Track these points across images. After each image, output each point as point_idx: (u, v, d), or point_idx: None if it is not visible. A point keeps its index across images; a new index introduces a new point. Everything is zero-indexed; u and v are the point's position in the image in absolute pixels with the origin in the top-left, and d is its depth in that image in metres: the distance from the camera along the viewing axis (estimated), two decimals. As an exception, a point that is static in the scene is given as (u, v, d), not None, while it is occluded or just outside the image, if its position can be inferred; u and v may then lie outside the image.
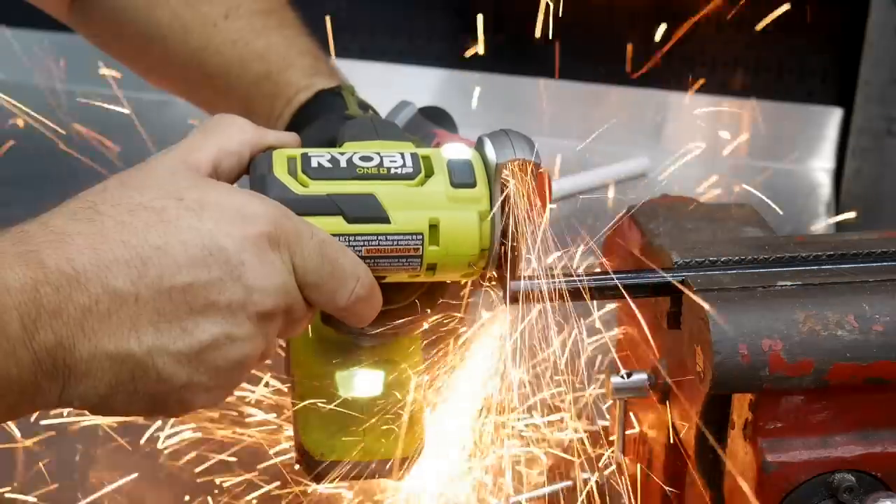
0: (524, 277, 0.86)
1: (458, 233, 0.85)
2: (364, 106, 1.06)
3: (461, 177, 0.85)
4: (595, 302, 0.92)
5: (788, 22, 1.93)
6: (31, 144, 1.97)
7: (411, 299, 0.93)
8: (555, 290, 0.86)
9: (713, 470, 0.89)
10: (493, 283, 0.88)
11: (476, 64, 2.04)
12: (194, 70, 1.13)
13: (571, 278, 0.87)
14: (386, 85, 1.97)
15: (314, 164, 0.85)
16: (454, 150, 0.87)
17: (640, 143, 1.97)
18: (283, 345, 1.06)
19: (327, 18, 2.08)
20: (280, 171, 0.84)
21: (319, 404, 1.03)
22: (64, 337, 0.76)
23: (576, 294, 0.87)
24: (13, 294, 0.74)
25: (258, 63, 1.10)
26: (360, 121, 0.96)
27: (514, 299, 0.86)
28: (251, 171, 0.87)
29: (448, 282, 0.94)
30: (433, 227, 0.85)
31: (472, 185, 0.85)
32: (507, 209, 0.85)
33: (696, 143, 1.97)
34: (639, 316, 1.03)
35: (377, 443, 1.03)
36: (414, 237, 0.84)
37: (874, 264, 0.89)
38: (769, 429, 0.83)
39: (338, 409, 1.02)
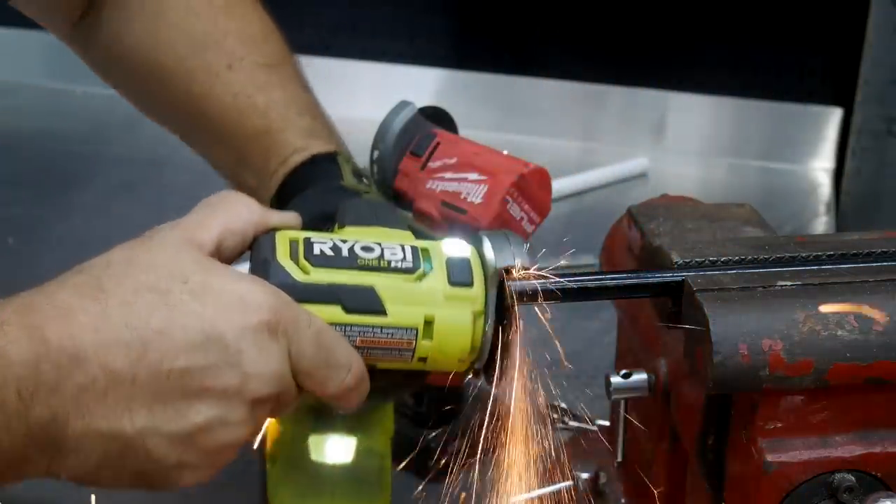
0: (523, 278, 0.86)
1: (452, 330, 0.86)
2: (358, 174, 1.06)
3: (459, 276, 0.86)
4: (594, 302, 0.92)
5: (788, 22, 1.93)
6: (32, 144, 1.97)
7: (395, 380, 0.93)
8: (554, 290, 0.86)
9: (713, 470, 0.89)
10: (481, 375, 0.89)
11: (476, 64, 2.04)
12: (193, 115, 1.13)
13: (571, 278, 0.87)
14: (386, 85, 1.98)
15: (317, 251, 0.86)
16: (454, 247, 0.88)
17: (640, 143, 1.97)
18: None
19: (327, 18, 2.09)
20: (282, 255, 0.85)
21: (290, 466, 1.04)
22: (59, 413, 0.76)
23: (575, 294, 0.87)
24: (14, 368, 0.75)
25: (257, 118, 1.10)
26: (360, 204, 0.97)
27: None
28: (253, 252, 0.88)
29: None
30: (428, 324, 0.86)
31: (469, 284, 0.86)
32: (501, 311, 0.86)
33: (695, 143, 1.97)
34: (639, 316, 1.03)
35: None
36: (408, 331, 0.85)
37: (874, 264, 0.89)
38: (769, 429, 0.83)
39: (308, 472, 1.03)
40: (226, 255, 0.87)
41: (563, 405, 1.20)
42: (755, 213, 1.01)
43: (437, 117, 1.13)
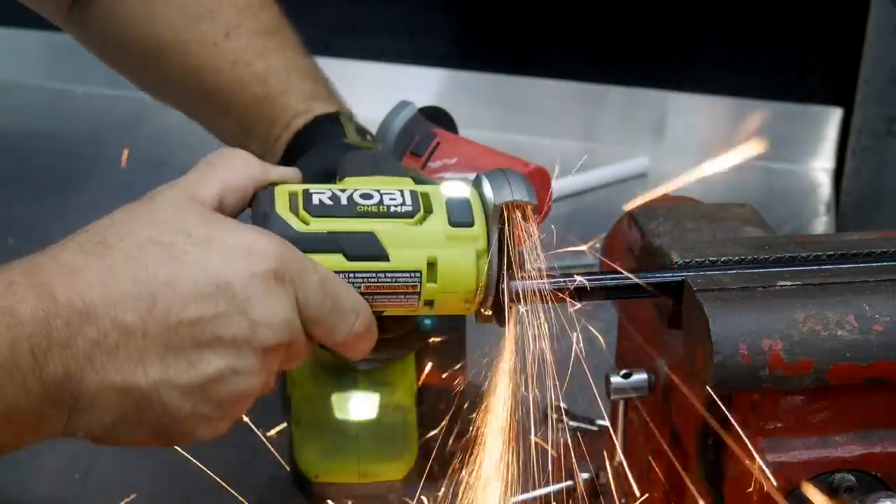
0: (523, 277, 0.86)
1: (456, 271, 0.86)
2: (362, 132, 1.06)
3: (459, 216, 0.86)
4: (595, 302, 0.92)
5: (788, 22, 1.93)
6: (31, 144, 1.97)
7: (407, 329, 0.93)
8: (554, 290, 0.86)
9: (713, 470, 0.89)
10: (490, 316, 0.89)
11: (476, 64, 2.04)
12: (193, 87, 1.13)
13: (571, 278, 0.87)
14: (386, 85, 1.98)
15: (315, 201, 0.86)
16: (453, 188, 0.88)
17: (640, 143, 1.97)
18: None
19: (327, 18, 2.09)
20: (282, 208, 0.85)
21: (315, 426, 1.04)
22: (72, 369, 0.76)
23: (576, 294, 0.87)
24: (25, 326, 0.75)
25: (257, 85, 1.10)
26: (360, 155, 0.97)
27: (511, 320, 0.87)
28: (253, 207, 0.88)
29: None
30: (431, 265, 0.85)
31: (470, 224, 0.86)
32: (503, 248, 0.86)
33: (695, 143, 1.97)
34: (639, 316, 1.03)
35: (372, 465, 1.04)
36: (412, 275, 0.85)
37: (874, 264, 0.89)
38: (769, 429, 0.83)
39: (333, 430, 1.03)
40: (227, 212, 0.87)
41: (564, 405, 1.20)
42: (755, 213, 1.01)
43: (437, 117, 1.13)
